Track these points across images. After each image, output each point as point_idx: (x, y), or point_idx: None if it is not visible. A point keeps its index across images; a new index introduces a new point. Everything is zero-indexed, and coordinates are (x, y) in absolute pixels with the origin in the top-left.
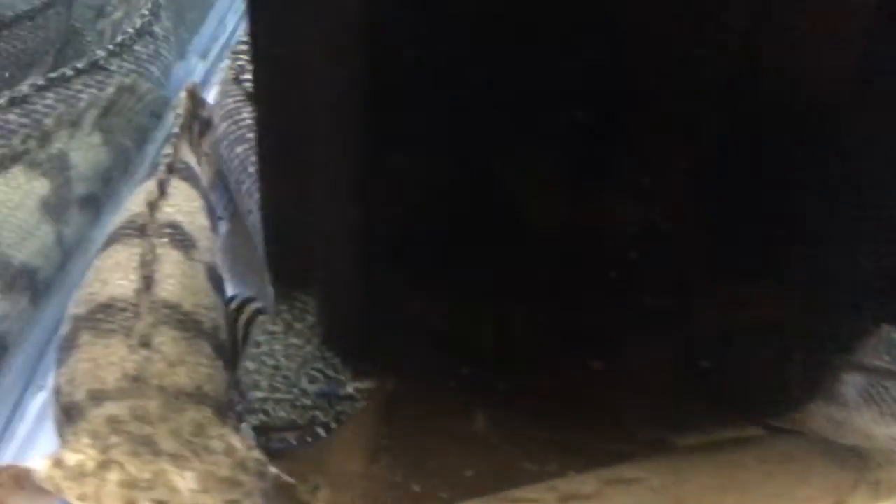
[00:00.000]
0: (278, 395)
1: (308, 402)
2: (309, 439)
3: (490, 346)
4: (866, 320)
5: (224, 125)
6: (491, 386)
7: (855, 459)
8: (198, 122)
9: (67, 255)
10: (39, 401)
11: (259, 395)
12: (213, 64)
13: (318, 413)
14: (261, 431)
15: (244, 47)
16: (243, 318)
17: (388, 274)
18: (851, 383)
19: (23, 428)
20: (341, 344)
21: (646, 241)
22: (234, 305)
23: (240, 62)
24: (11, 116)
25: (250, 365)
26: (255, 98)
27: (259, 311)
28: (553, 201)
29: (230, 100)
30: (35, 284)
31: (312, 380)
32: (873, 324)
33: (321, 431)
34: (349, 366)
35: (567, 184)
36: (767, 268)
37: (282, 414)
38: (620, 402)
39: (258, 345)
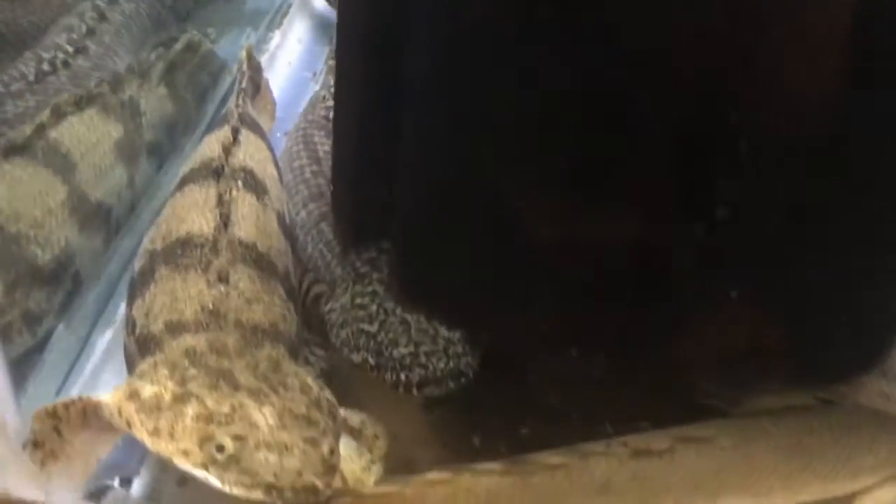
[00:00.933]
0: (426, 348)
1: (459, 349)
2: (463, 381)
3: (559, 304)
4: None
5: None
6: (556, 347)
7: None
8: (251, 82)
9: (137, 199)
10: (107, 337)
11: (405, 350)
12: (264, 33)
13: (468, 359)
14: (422, 385)
15: None
16: (311, 293)
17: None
18: None
19: (90, 364)
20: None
21: (718, 218)
22: (306, 283)
23: None
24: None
25: (368, 326)
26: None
27: (320, 296)
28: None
29: None
30: (109, 223)
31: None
32: None
33: (470, 377)
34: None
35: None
36: (828, 246)
37: (441, 365)
38: (682, 365)
39: (363, 307)
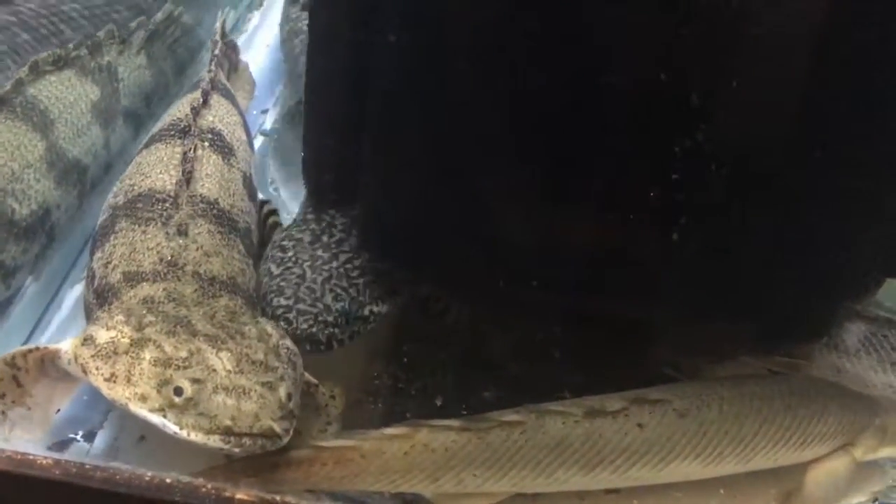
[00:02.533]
0: (302, 307)
1: (330, 318)
2: (322, 349)
3: (518, 268)
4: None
5: None
6: (520, 312)
7: (867, 405)
8: (227, 56)
9: (113, 162)
10: (76, 293)
11: (283, 302)
12: (242, 14)
13: (336, 330)
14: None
15: None
16: (269, 221)
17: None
18: (853, 331)
19: (57, 318)
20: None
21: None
22: (265, 210)
23: None
24: None
25: (274, 268)
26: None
27: (278, 224)
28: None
29: None
30: (84, 182)
31: (337, 297)
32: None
33: (335, 346)
34: (372, 287)
35: None
36: (785, 219)
37: (304, 326)
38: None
39: (283, 249)
